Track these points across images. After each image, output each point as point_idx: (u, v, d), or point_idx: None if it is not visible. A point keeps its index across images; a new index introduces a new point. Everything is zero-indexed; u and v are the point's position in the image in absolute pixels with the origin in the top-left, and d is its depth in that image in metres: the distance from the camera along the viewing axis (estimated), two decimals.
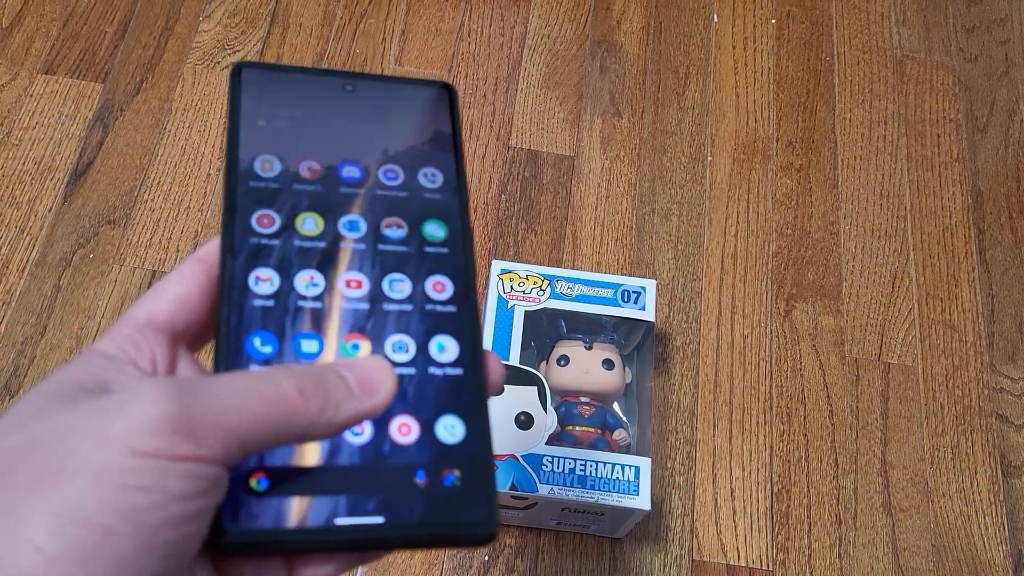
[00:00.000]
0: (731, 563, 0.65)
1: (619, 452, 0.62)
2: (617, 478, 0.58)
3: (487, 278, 0.70)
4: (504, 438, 0.60)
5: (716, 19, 0.90)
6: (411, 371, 0.25)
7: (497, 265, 0.65)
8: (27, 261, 0.71)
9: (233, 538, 0.22)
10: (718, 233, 0.79)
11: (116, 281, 0.71)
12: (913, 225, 0.81)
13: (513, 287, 0.64)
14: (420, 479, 0.24)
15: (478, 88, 0.84)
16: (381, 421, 0.24)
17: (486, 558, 0.64)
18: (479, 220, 0.77)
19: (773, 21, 0.91)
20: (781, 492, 0.68)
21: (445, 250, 0.27)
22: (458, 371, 0.26)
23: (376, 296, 0.26)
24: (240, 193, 0.26)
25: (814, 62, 0.89)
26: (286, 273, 0.25)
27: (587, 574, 0.64)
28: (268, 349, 0.24)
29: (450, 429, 0.25)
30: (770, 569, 0.65)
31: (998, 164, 0.85)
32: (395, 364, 0.25)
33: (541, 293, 0.64)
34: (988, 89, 0.89)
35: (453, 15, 0.87)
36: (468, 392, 0.25)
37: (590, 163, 0.81)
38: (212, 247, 0.26)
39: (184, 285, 0.25)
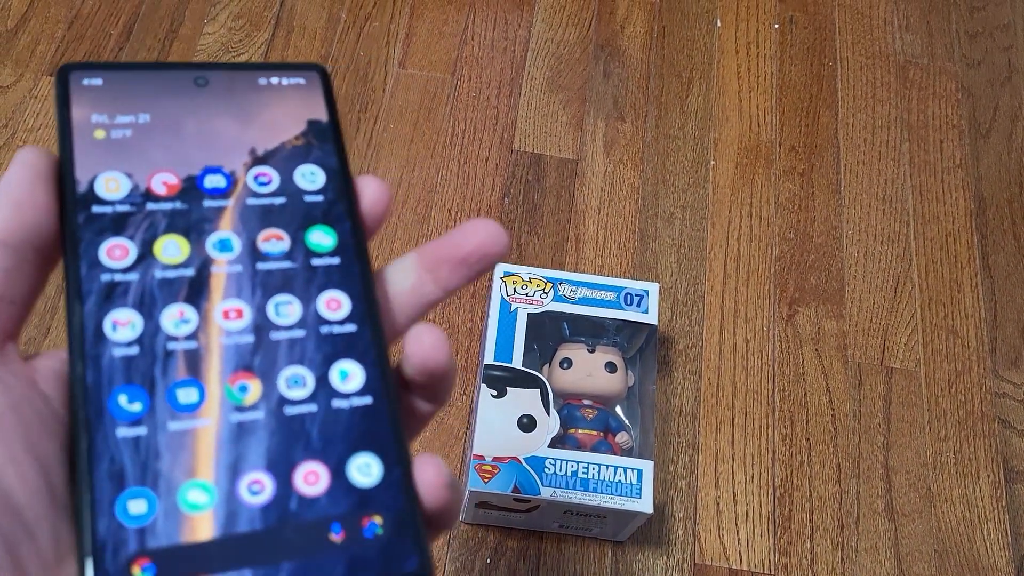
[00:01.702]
0: (733, 567, 0.65)
1: (621, 455, 0.62)
2: (619, 481, 0.58)
3: (490, 280, 0.70)
4: (507, 441, 0.60)
5: (719, 24, 0.90)
6: (312, 408, 0.22)
7: (500, 268, 0.65)
8: None
9: None
10: (721, 237, 0.79)
11: None
12: (916, 230, 0.81)
13: (516, 290, 0.65)
14: (336, 534, 0.20)
15: (481, 91, 0.84)
16: (284, 473, 0.21)
17: (488, 561, 0.64)
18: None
19: (776, 26, 0.91)
20: (783, 496, 0.68)
21: (336, 260, 0.24)
22: (366, 399, 0.22)
23: (262, 325, 0.22)
24: (81, 223, 0.22)
25: (817, 67, 0.89)
26: (149, 312, 0.22)
27: None
28: (137, 407, 0.21)
29: (365, 469, 0.21)
30: (772, 573, 0.65)
31: (1001, 169, 0.85)
32: (293, 403, 0.22)
33: (544, 296, 0.64)
34: (991, 95, 0.89)
35: (457, 19, 0.87)
36: (380, 422, 0.22)
37: (593, 167, 0.81)
38: (29, 153, 0.22)
39: (14, 191, 0.21)
